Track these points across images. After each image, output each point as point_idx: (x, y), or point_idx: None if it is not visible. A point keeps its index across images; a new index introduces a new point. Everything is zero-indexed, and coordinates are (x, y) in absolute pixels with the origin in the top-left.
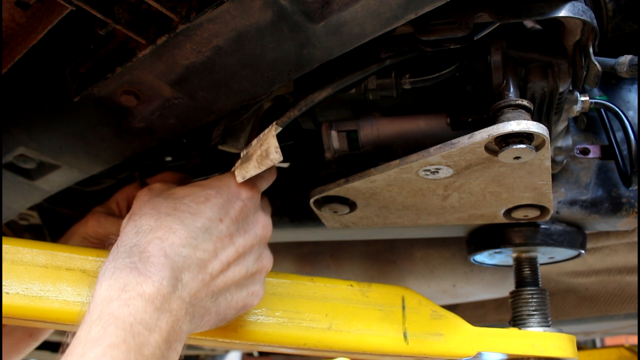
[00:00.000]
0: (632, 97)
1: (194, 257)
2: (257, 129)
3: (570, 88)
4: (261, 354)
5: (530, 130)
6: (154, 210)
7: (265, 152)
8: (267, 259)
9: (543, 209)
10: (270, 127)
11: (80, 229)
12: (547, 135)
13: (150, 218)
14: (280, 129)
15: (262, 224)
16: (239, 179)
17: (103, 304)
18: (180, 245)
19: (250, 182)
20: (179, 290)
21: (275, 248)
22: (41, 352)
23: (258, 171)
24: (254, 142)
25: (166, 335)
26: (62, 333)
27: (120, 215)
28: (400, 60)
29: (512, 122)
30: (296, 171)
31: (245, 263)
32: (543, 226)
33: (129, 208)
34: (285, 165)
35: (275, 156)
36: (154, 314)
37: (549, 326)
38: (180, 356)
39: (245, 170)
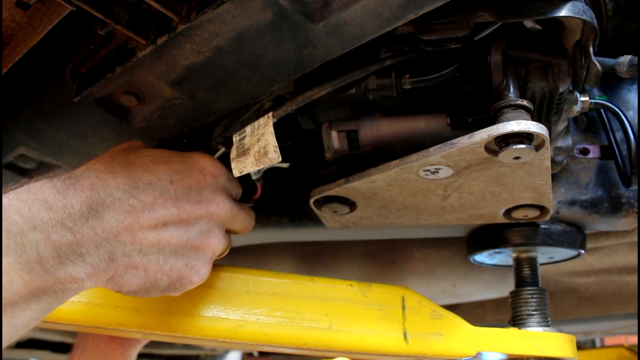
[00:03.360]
0: (632, 97)
1: (125, 203)
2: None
3: (570, 88)
4: (261, 354)
5: (530, 130)
6: (111, 159)
7: (264, 150)
8: (217, 240)
9: (543, 209)
10: (266, 118)
11: None
12: (547, 135)
13: (103, 163)
14: (275, 119)
15: (217, 203)
16: (236, 173)
17: None
18: (114, 187)
19: (213, 161)
20: (92, 220)
21: (275, 248)
22: (41, 352)
23: (256, 169)
24: (248, 130)
25: (56, 245)
26: (63, 333)
27: None
28: (400, 60)
29: (512, 122)
30: (296, 171)
31: (186, 230)
32: (543, 226)
33: None
34: (285, 165)
35: (273, 156)
36: (47, 220)
37: (548, 326)
38: (181, 356)
39: (243, 165)
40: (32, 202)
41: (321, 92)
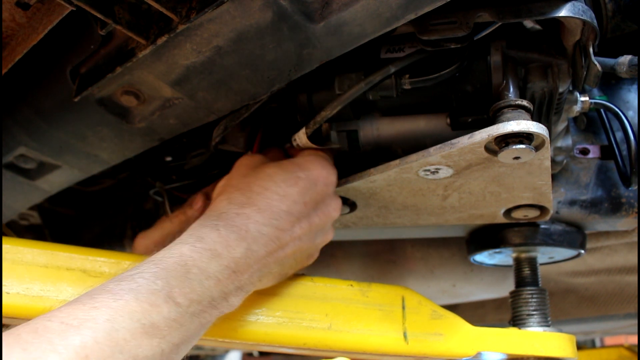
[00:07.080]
0: (632, 97)
1: (272, 234)
2: (261, 130)
3: (570, 88)
4: (261, 354)
5: (530, 130)
6: (247, 187)
7: None
8: (331, 233)
9: (543, 209)
10: (300, 134)
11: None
12: (547, 136)
13: (243, 194)
14: (310, 132)
15: (334, 206)
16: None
17: (176, 244)
18: (262, 224)
19: (328, 167)
20: (249, 258)
21: None
22: None
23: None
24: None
25: (224, 287)
26: None
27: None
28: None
29: (511, 122)
30: None
31: (314, 237)
32: (543, 226)
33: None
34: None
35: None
36: (217, 268)
37: (548, 326)
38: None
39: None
40: (204, 251)
41: (357, 91)
